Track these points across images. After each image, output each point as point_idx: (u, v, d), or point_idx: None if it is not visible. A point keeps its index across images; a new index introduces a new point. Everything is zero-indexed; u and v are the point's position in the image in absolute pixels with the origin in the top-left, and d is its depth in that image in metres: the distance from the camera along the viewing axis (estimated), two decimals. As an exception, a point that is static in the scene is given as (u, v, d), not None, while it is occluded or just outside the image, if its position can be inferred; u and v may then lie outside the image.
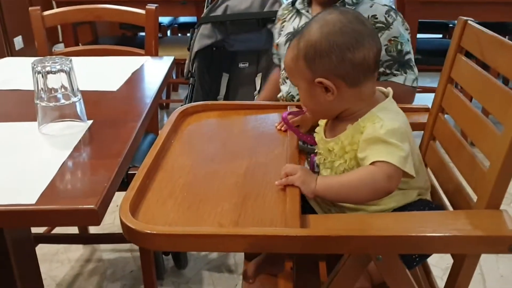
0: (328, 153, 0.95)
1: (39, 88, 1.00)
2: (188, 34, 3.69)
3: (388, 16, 1.27)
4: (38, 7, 1.77)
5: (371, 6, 1.27)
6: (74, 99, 1.02)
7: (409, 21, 2.67)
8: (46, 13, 1.77)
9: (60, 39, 3.93)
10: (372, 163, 0.81)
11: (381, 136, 0.82)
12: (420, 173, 0.93)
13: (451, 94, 1.03)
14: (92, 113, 1.08)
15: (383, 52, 1.24)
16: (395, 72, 1.28)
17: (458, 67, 1.01)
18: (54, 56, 1.04)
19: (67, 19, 1.99)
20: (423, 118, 1.14)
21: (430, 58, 2.79)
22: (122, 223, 0.74)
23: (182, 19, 3.61)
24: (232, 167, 0.94)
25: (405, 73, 1.28)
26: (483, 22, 0.97)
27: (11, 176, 0.85)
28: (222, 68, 2.31)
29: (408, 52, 1.28)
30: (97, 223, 0.76)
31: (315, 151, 1.01)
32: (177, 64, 3.09)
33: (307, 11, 1.33)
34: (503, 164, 0.76)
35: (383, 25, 1.26)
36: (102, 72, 1.41)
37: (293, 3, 1.40)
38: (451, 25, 3.59)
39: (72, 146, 0.95)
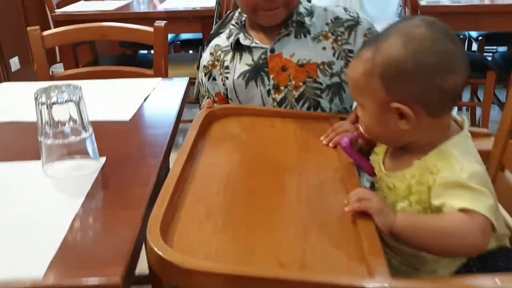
0: (388, 191, 0.80)
1: (43, 121, 0.84)
2: (191, 52, 3.59)
3: (350, 12, 1.14)
4: (37, 27, 1.62)
5: (325, 10, 1.14)
6: (85, 134, 0.86)
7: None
8: (46, 33, 1.62)
9: (58, 59, 3.78)
10: (461, 211, 0.66)
11: (463, 181, 0.68)
12: (498, 216, 0.77)
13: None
14: (104, 149, 0.92)
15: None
16: None
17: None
18: (59, 83, 0.88)
19: (69, 39, 1.83)
20: (484, 144, 0.99)
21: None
22: (151, 251, 0.59)
23: (185, 35, 3.47)
24: (279, 185, 0.79)
25: None
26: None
27: (10, 239, 0.69)
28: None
29: None
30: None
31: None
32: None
33: (252, 42, 1.13)
34: None
35: (353, 22, 1.12)
36: (111, 99, 1.25)
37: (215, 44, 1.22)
38: (461, 36, 3.47)
39: (85, 193, 0.79)
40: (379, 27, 1.08)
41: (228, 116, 1.05)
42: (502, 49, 3.79)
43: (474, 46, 3.49)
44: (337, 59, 1.10)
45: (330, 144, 0.93)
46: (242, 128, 1.03)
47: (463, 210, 0.66)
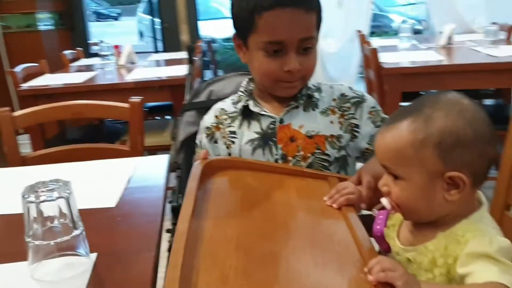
0: (408, 264, 0.79)
1: (30, 220, 0.80)
2: (158, 118, 3.59)
3: (355, 91, 1.18)
4: (7, 108, 1.58)
5: (331, 88, 1.18)
6: (76, 232, 0.82)
7: (390, 92, 2.65)
8: (17, 113, 1.58)
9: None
10: (488, 283, 0.66)
11: (492, 253, 0.69)
12: None
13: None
14: (93, 242, 0.87)
15: (371, 125, 1.14)
16: None
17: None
18: (46, 179, 0.84)
19: (43, 119, 1.79)
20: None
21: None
22: None
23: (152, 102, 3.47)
24: (291, 248, 0.77)
25: None
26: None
27: None
28: (209, 155, 2.15)
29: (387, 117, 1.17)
30: None
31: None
32: (152, 151, 2.90)
33: (261, 110, 1.15)
34: None
35: (359, 99, 1.16)
36: (93, 183, 1.21)
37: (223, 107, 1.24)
38: (422, 93, 3.61)
39: (80, 298, 0.74)
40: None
41: (225, 169, 1.03)
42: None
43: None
44: (344, 132, 1.13)
45: (334, 205, 0.91)
46: (242, 182, 1.01)
47: (489, 283, 0.66)
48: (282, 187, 0.99)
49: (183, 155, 2.04)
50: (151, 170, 1.31)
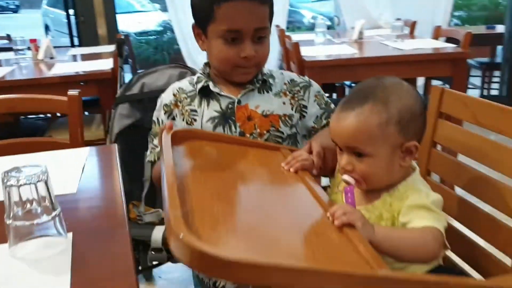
0: None
1: (12, 203, 0.84)
2: (87, 113, 3.52)
3: (301, 77, 1.33)
4: None
5: (282, 74, 1.32)
6: (55, 212, 0.87)
7: (312, 84, 2.82)
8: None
9: None
10: (425, 228, 0.82)
11: (428, 204, 0.84)
12: None
13: (437, 156, 1.06)
14: (66, 224, 0.92)
15: (316, 106, 1.29)
16: None
17: (442, 131, 1.05)
18: (20, 166, 0.88)
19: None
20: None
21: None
22: (191, 249, 0.59)
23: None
24: (264, 199, 0.88)
25: None
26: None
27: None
28: (144, 147, 2.19)
29: (330, 102, 1.34)
30: None
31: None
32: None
33: (221, 91, 1.25)
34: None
35: (306, 84, 1.31)
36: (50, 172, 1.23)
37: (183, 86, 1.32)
38: (337, 84, 3.86)
39: (68, 270, 0.80)
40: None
41: (189, 139, 1.09)
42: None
43: (348, 92, 3.89)
44: (295, 112, 1.25)
45: (292, 170, 1.00)
46: (206, 151, 1.10)
47: (426, 227, 0.82)
48: (243, 156, 1.09)
49: (118, 147, 2.08)
50: (102, 158, 1.35)
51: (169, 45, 7.32)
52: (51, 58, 3.23)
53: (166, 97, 1.29)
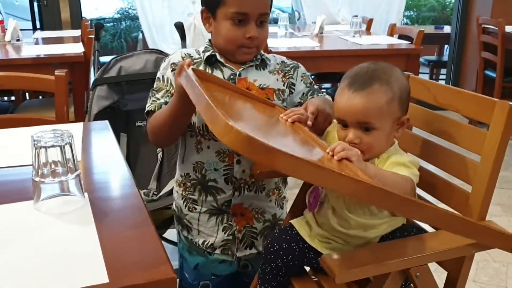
0: None
1: (40, 163, 0.94)
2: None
3: (290, 60, 1.47)
4: None
5: (274, 56, 1.46)
6: (77, 171, 0.98)
7: (277, 73, 2.97)
8: None
9: None
10: (404, 176, 0.99)
11: (406, 162, 1.02)
12: None
13: (404, 133, 1.24)
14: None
15: (303, 85, 1.43)
16: (319, 95, 1.44)
17: (409, 112, 1.22)
18: (46, 129, 0.99)
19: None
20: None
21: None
22: (240, 134, 0.73)
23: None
24: (276, 122, 1.09)
25: (323, 95, 1.46)
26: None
27: (58, 263, 0.80)
28: (119, 129, 2.28)
29: (313, 83, 1.49)
30: (176, 290, 0.77)
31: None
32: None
33: (224, 61, 1.37)
34: (487, 187, 0.97)
35: (295, 65, 1.45)
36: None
37: (194, 56, 1.41)
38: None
39: (92, 222, 0.91)
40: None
41: (204, 79, 1.20)
42: (327, 85, 4.48)
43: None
44: (286, 88, 1.40)
45: (290, 120, 1.15)
46: (220, 90, 1.23)
47: (404, 176, 1.00)
48: (248, 100, 1.25)
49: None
50: (98, 131, 1.46)
51: (127, 32, 7.29)
52: (18, 40, 3.23)
53: (174, 57, 1.41)
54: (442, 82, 5.06)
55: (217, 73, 1.36)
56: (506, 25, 3.64)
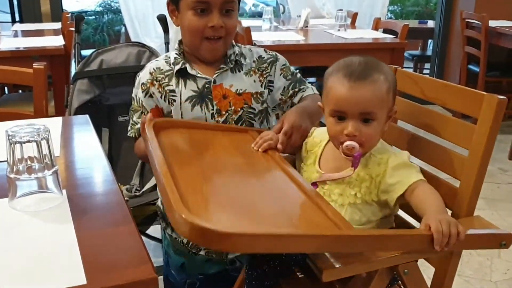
0: (337, 185, 1.05)
1: (15, 159, 0.90)
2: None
3: (268, 52, 1.42)
4: None
5: (250, 50, 1.41)
6: (55, 168, 0.94)
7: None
8: None
9: None
10: (416, 184, 0.98)
11: (407, 161, 1.01)
12: None
13: (390, 127, 1.22)
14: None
15: (282, 79, 1.39)
16: (301, 87, 1.42)
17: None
18: (22, 123, 0.95)
19: None
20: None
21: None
22: (193, 227, 0.71)
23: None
24: (244, 179, 0.99)
25: (306, 85, 1.44)
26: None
27: (33, 264, 0.76)
28: (101, 123, 2.23)
29: (296, 72, 1.45)
30: (157, 291, 0.74)
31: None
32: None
33: (197, 72, 1.33)
34: (475, 181, 0.95)
35: (273, 58, 1.40)
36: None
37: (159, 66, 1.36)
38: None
39: (70, 220, 0.88)
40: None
41: (169, 128, 1.20)
42: (312, 79, 4.47)
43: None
44: (264, 89, 1.36)
45: (260, 150, 1.13)
46: (186, 137, 1.19)
47: (415, 183, 0.98)
48: (217, 140, 1.20)
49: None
50: (77, 126, 1.42)
51: (109, 26, 7.19)
52: (-4, 33, 3.15)
53: (143, 76, 1.36)
54: (426, 77, 5.08)
55: (191, 84, 1.32)
56: (490, 20, 3.65)
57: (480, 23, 3.67)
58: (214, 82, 1.31)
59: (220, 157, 1.11)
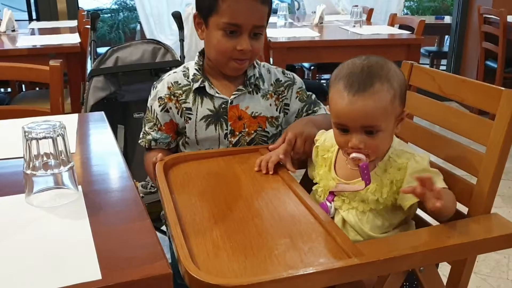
0: (355, 193, 1.02)
1: (31, 156, 0.91)
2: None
3: (286, 74, 1.41)
4: None
5: (269, 72, 1.40)
6: (71, 164, 0.95)
7: (276, 64, 2.95)
8: None
9: None
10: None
11: (426, 167, 0.97)
12: None
13: (407, 123, 1.21)
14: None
15: (298, 102, 1.39)
16: (315, 108, 1.42)
17: (411, 101, 1.19)
18: (38, 120, 0.95)
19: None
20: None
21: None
22: (201, 284, 0.73)
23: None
24: (253, 210, 0.97)
25: (319, 106, 1.43)
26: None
27: (49, 259, 0.77)
28: (117, 120, 2.25)
29: (311, 94, 1.44)
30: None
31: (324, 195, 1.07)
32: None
33: (215, 92, 1.32)
34: (492, 178, 0.94)
35: (290, 82, 1.40)
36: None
37: (178, 81, 1.35)
38: (297, 67, 4.00)
39: (85, 216, 0.88)
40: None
41: (179, 163, 1.19)
42: (327, 76, 4.44)
43: (307, 75, 4.04)
44: (279, 113, 1.36)
45: (263, 171, 1.13)
46: (196, 172, 1.17)
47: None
48: (227, 168, 1.18)
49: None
50: (93, 122, 1.42)
51: (125, 24, 7.23)
52: (13, 30, 3.19)
53: (161, 90, 1.35)
54: (443, 73, 5.02)
55: (207, 103, 1.32)
56: (508, 15, 3.60)
57: (498, 18, 3.62)
58: (231, 103, 1.31)
59: (231, 189, 1.08)
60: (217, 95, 1.31)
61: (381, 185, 0.99)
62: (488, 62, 3.95)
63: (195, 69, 1.34)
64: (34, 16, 4.41)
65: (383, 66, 0.98)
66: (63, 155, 0.94)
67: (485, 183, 0.95)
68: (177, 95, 1.33)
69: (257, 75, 1.35)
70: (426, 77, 1.15)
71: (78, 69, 2.75)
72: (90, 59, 2.43)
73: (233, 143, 1.32)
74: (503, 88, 0.96)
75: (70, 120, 1.41)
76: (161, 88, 1.35)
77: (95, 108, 2.12)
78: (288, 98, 1.37)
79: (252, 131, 1.33)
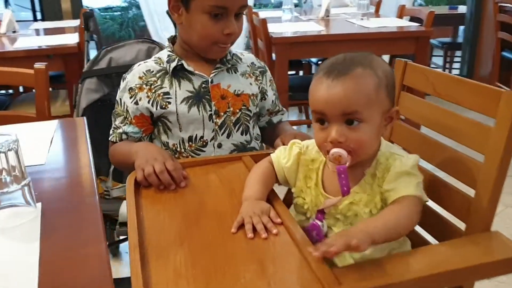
0: (349, 206, 0.91)
1: (-19, 173, 0.84)
2: (51, 89, 3.45)
3: (259, 61, 1.38)
4: None
5: (242, 55, 1.35)
6: (24, 181, 0.87)
7: (279, 60, 2.84)
8: None
9: None
10: (403, 197, 0.84)
11: (409, 170, 0.86)
12: None
13: (399, 126, 1.11)
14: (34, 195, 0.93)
15: (271, 91, 1.35)
16: (281, 109, 1.41)
17: (405, 103, 1.09)
18: (-12, 134, 0.88)
19: None
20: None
21: (301, 94, 2.95)
22: None
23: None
24: (225, 230, 0.88)
25: (282, 108, 1.42)
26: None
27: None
28: (110, 122, 2.17)
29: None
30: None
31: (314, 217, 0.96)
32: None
33: (193, 69, 1.25)
34: (492, 191, 0.83)
35: (263, 69, 1.36)
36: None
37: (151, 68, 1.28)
38: (304, 61, 3.89)
39: (37, 238, 0.81)
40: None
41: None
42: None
43: (314, 70, 3.92)
44: (259, 92, 1.31)
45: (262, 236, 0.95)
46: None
47: (406, 196, 0.84)
48: (205, 178, 1.09)
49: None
50: (71, 131, 1.35)
51: (134, 21, 7.19)
52: (14, 32, 3.15)
53: (131, 80, 1.27)
54: (457, 65, 4.85)
55: (186, 84, 1.24)
56: (524, 3, 3.44)
57: (514, 7, 3.46)
58: (212, 81, 1.24)
59: (204, 205, 0.98)
60: (196, 72, 1.25)
61: (372, 195, 0.88)
62: (505, 53, 3.79)
63: (169, 51, 1.28)
64: (39, 16, 4.38)
65: (367, 56, 0.89)
66: (16, 171, 0.87)
67: (484, 197, 0.85)
68: (151, 83, 1.26)
69: (232, 52, 1.31)
70: (420, 76, 1.05)
71: (76, 70, 2.68)
72: (86, 60, 2.36)
73: (218, 124, 1.25)
74: (502, 90, 0.85)
75: (48, 127, 1.34)
76: (131, 78, 1.28)
77: (88, 110, 2.05)
78: (264, 84, 1.34)
79: (237, 110, 1.27)
